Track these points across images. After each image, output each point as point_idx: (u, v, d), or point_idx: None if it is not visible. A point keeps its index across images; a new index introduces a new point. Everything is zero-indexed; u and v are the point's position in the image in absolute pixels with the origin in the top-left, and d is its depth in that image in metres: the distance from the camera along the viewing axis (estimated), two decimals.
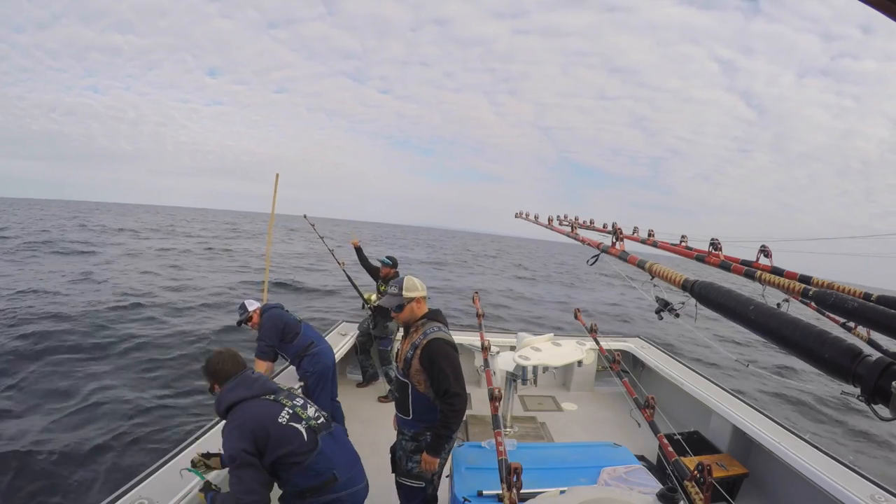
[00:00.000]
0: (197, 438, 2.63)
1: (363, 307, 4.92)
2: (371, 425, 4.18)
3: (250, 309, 3.57)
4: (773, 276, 1.33)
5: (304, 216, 5.28)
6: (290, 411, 1.94)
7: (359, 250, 5.07)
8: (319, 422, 2.01)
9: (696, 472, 1.53)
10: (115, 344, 7.74)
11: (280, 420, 1.89)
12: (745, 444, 3.59)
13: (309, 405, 2.07)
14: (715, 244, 1.74)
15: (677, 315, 1.76)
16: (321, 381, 3.47)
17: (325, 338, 4.04)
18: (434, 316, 2.43)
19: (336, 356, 4.06)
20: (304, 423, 1.93)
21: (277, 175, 4.52)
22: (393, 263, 4.96)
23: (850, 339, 1.24)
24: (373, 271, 5.03)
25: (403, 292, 2.35)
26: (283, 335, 3.49)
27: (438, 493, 2.53)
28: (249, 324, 3.58)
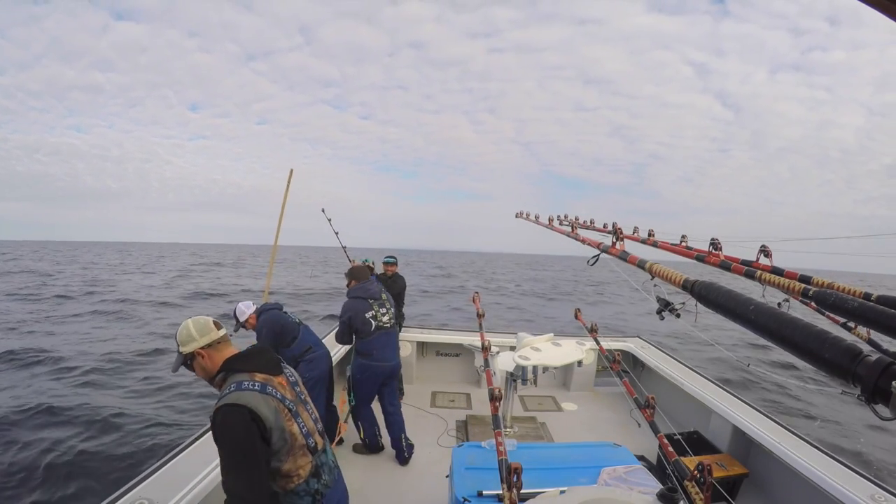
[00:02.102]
0: (198, 438, 2.63)
1: None
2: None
3: (241, 318, 3.51)
4: (773, 276, 1.32)
5: (322, 210, 5.27)
6: (374, 311, 3.68)
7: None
8: (384, 323, 3.72)
9: (696, 472, 1.54)
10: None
11: (366, 315, 3.64)
12: (745, 444, 3.59)
13: (386, 312, 3.77)
14: (715, 244, 1.74)
15: (678, 315, 1.76)
16: (317, 387, 3.43)
17: (325, 340, 4.02)
18: (237, 363, 1.66)
19: (335, 358, 4.05)
20: (376, 321, 3.68)
21: (291, 171, 4.72)
22: (395, 261, 5.10)
23: (850, 339, 1.24)
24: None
25: (180, 348, 1.69)
26: (280, 339, 3.44)
27: (438, 493, 2.52)
28: (248, 326, 3.54)
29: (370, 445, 3.86)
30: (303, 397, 1.79)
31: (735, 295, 0.85)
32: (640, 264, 1.43)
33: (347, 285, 3.82)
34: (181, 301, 17.06)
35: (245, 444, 1.48)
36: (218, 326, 1.77)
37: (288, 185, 4.54)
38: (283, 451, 1.58)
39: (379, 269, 5.11)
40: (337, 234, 5.15)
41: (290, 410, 1.64)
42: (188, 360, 1.71)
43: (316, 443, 1.74)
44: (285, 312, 3.63)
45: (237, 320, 3.53)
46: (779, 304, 1.51)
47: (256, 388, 1.58)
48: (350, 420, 3.97)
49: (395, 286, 5.01)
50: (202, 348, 1.68)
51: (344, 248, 5.10)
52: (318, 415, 1.87)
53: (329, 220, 5.14)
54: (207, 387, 1.77)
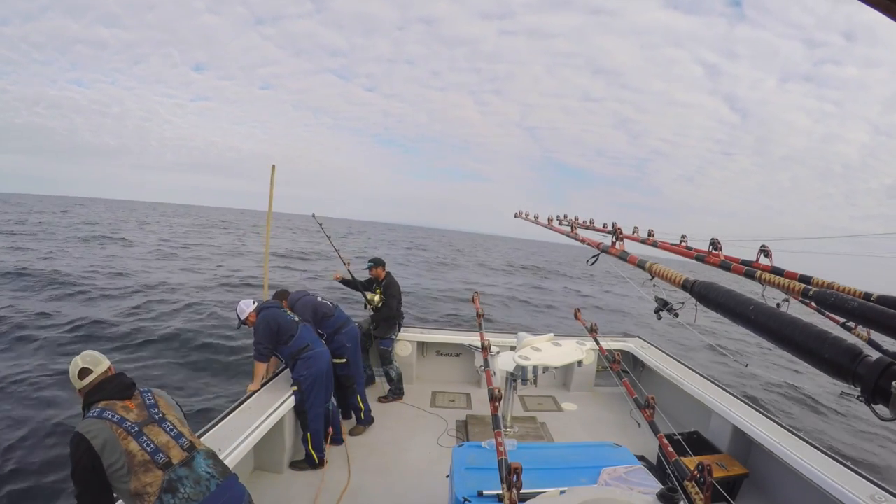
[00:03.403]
0: (200, 437, 2.63)
1: (365, 307, 4.92)
2: (370, 425, 4.19)
3: (242, 316, 3.59)
4: (773, 276, 1.33)
5: (313, 215, 5.27)
6: (321, 297, 4.21)
7: (344, 281, 4.94)
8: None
9: (696, 472, 1.53)
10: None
11: (320, 299, 4.17)
12: (745, 444, 3.59)
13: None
14: (715, 244, 1.74)
15: (676, 315, 1.76)
16: (315, 386, 3.44)
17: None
18: (91, 396, 1.85)
19: None
20: (328, 301, 4.25)
21: (273, 167, 4.56)
22: (376, 263, 4.90)
23: (851, 339, 1.23)
24: (366, 285, 4.94)
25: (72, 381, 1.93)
26: (277, 337, 3.47)
27: (438, 493, 2.52)
28: (248, 323, 3.58)
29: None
30: (157, 416, 1.88)
31: (735, 295, 0.85)
32: (640, 264, 1.43)
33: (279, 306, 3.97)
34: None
35: (79, 465, 1.69)
36: (96, 363, 1.92)
37: (272, 182, 4.52)
38: (122, 470, 1.68)
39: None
40: (329, 237, 5.17)
41: (128, 431, 1.74)
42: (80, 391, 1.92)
43: (169, 458, 1.76)
44: (284, 311, 3.65)
45: (238, 318, 3.61)
46: (778, 305, 1.51)
47: (94, 414, 1.76)
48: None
49: (388, 293, 4.82)
50: (85, 387, 1.88)
51: (337, 250, 5.07)
52: (181, 431, 1.90)
53: (320, 224, 5.19)
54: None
